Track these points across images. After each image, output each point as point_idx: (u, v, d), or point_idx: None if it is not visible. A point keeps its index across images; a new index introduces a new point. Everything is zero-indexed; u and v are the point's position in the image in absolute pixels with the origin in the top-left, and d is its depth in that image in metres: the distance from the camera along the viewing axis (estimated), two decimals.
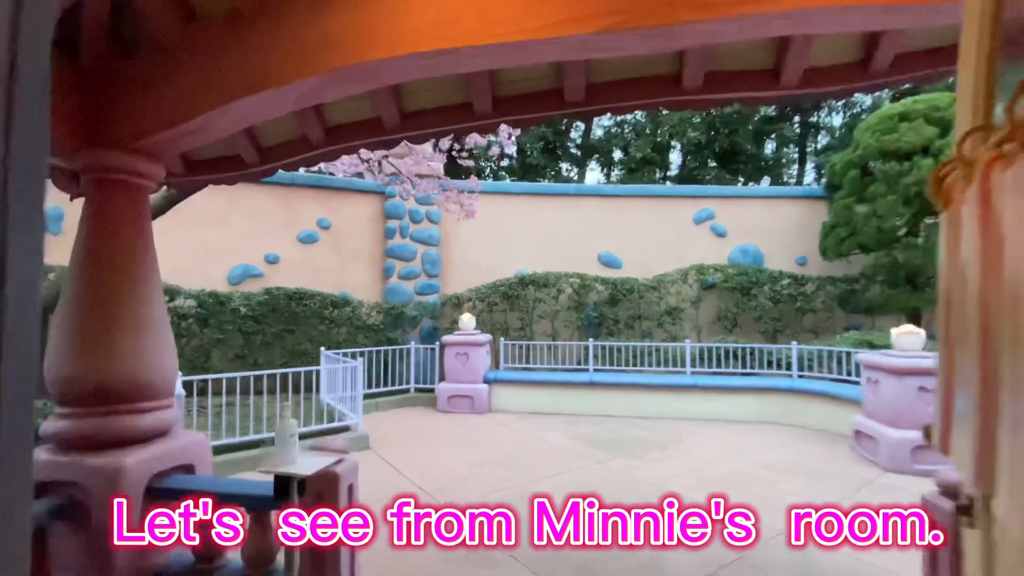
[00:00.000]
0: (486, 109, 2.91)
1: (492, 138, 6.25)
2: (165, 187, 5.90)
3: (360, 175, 9.44)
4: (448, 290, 8.93)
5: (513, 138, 6.27)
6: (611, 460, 4.98)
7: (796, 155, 18.01)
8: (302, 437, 5.24)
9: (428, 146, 6.66)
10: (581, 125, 17.23)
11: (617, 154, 16.95)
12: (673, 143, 16.41)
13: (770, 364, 7.21)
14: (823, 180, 16.88)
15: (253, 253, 8.14)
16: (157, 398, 2.91)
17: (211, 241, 7.88)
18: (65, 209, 7.13)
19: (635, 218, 9.51)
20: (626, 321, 8.68)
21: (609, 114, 2.86)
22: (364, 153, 7.23)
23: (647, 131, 15.50)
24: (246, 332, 7.35)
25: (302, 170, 8.50)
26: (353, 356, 7.36)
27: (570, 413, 6.96)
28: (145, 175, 2.95)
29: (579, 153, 16.67)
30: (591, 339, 7.69)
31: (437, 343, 7.70)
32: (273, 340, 7.51)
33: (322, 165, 7.87)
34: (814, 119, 17.92)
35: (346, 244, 8.70)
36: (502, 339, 7.92)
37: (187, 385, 5.19)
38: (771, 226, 9.69)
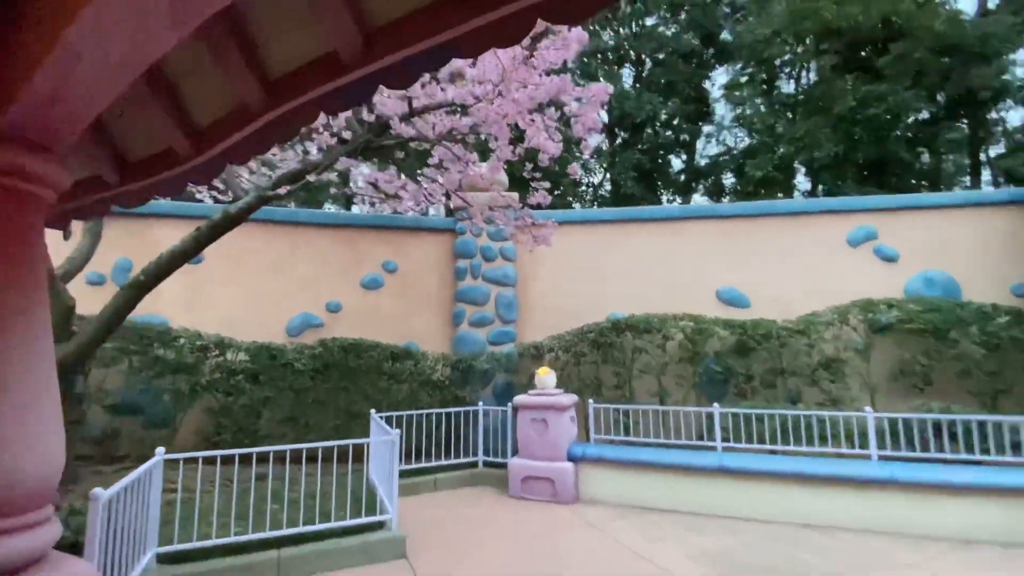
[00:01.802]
0: None
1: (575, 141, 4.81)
2: (197, 228, 5.28)
3: (425, 213, 8.58)
4: (526, 338, 7.45)
5: (596, 136, 4.83)
6: None
7: (967, 162, 14.38)
8: (319, 537, 3.95)
9: (492, 166, 5.40)
10: (683, 151, 15.38)
11: (729, 179, 14.74)
12: (798, 163, 13.88)
13: (1016, 447, 4.64)
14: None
15: (314, 301, 7.42)
16: (17, 512, 1.71)
17: (270, 289, 7.30)
18: (133, 262, 6.97)
19: (763, 243, 7.43)
20: (763, 377, 6.49)
21: None
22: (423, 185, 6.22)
23: (764, 149, 13.23)
24: (297, 390, 6.46)
25: (363, 208, 7.77)
26: (407, 421, 6.09)
27: (691, 511, 4.94)
28: (32, 177, 1.88)
29: (682, 179, 14.75)
30: (716, 403, 5.66)
31: (511, 404, 6.17)
32: (326, 399, 6.53)
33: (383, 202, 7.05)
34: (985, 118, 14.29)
35: (413, 288, 7.69)
36: (591, 401, 6.18)
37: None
38: (965, 244, 7.03)
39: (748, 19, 13.63)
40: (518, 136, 5.18)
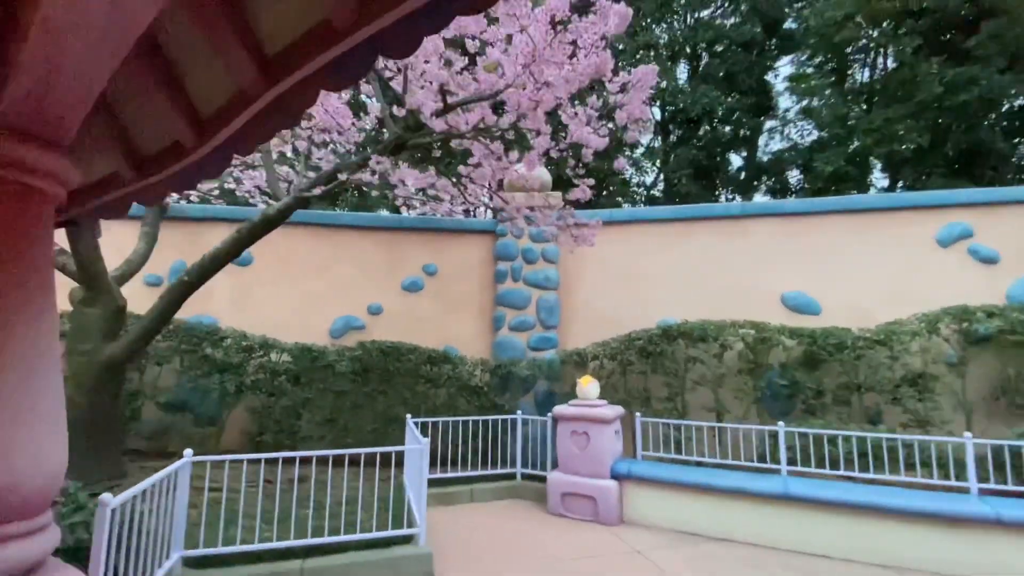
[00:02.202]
0: None
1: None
2: (237, 230, 5.32)
3: (469, 212, 8.42)
4: (568, 344, 7.09)
5: (644, 126, 4.44)
6: None
7: None
8: (344, 549, 3.80)
9: (529, 160, 5.10)
10: (743, 147, 14.46)
11: (794, 176, 13.68)
12: (873, 157, 12.64)
13: None
14: None
15: (356, 304, 7.41)
16: (13, 518, 1.62)
17: (315, 292, 7.35)
18: (188, 264, 7.21)
19: (837, 243, 6.70)
20: (835, 393, 5.80)
21: None
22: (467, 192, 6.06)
23: (835, 142, 12.16)
24: (337, 392, 6.43)
25: (409, 213, 7.72)
26: (443, 427, 5.90)
27: (749, 542, 4.41)
28: (35, 170, 1.80)
29: (742, 177, 13.83)
30: (780, 421, 5.08)
31: (551, 414, 5.83)
32: (365, 402, 6.45)
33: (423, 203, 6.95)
34: None
35: (452, 291, 7.53)
36: (638, 414, 5.73)
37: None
38: None
39: (815, 3, 12.63)
40: (563, 134, 4.88)
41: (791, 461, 4.89)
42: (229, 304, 7.29)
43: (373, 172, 4.52)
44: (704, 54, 13.79)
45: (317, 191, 4.69)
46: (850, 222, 6.73)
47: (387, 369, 6.51)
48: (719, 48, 13.14)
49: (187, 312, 7.11)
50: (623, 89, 4.23)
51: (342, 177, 4.44)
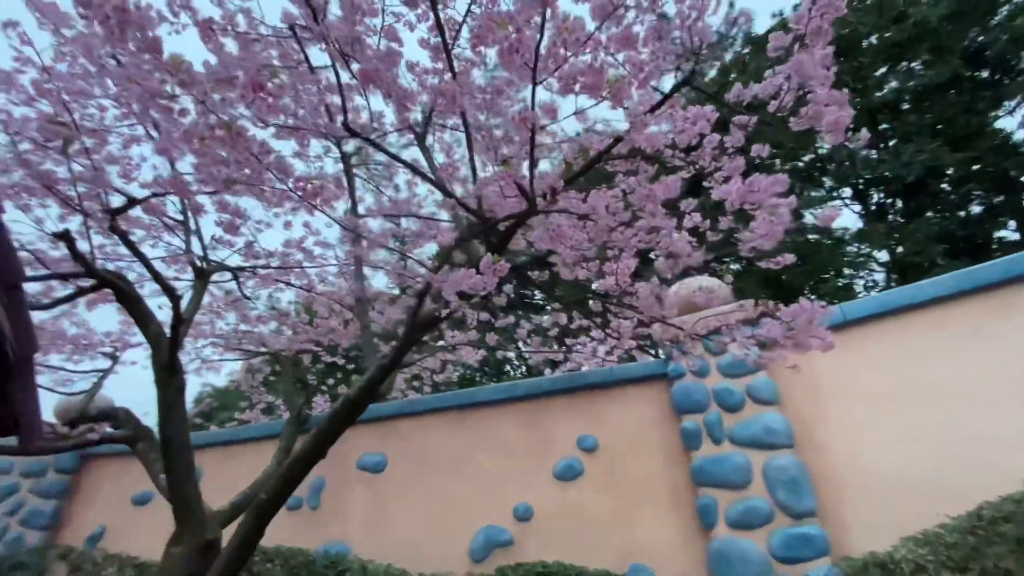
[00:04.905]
0: None
1: None
2: (318, 425, 4.23)
3: (632, 357, 6.52)
4: (848, 543, 3.90)
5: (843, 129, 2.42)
6: None
7: None
8: None
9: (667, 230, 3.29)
10: (1008, 208, 10.22)
11: None
12: None
13: None
14: None
15: (500, 507, 5.51)
16: None
17: (452, 496, 5.74)
18: (326, 479, 6.35)
19: None
20: None
21: None
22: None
23: None
24: None
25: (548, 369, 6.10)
26: None
27: None
28: None
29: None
30: None
31: None
32: None
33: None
34: None
35: (624, 471, 5.19)
36: None
37: None
38: None
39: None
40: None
41: None
42: (363, 524, 6.05)
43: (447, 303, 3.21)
44: (880, 115, 11.07)
45: (384, 348, 3.51)
46: None
47: None
48: (912, 98, 10.35)
49: (317, 540, 6.03)
50: (786, 56, 2.45)
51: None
